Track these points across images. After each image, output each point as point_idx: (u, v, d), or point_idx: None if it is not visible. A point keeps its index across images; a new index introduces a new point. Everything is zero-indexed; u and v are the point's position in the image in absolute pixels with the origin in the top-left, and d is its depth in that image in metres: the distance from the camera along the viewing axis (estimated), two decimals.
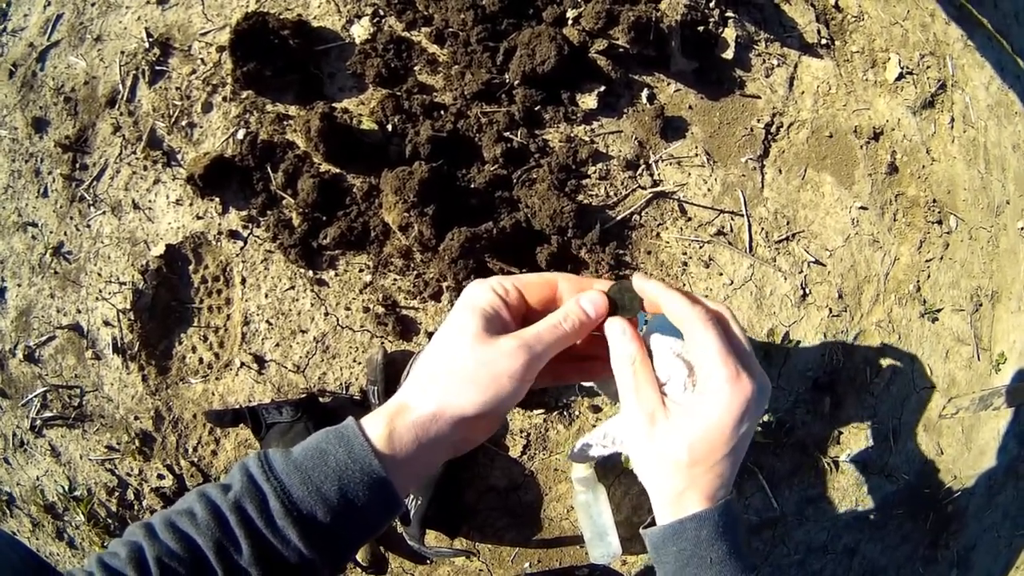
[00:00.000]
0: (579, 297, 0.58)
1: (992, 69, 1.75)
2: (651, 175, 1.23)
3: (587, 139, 1.21)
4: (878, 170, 1.44)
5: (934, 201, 1.52)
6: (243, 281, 1.24)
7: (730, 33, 1.31)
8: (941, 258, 1.54)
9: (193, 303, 1.26)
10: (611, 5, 1.21)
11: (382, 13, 1.27)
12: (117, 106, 1.35)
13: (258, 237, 1.23)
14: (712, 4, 1.32)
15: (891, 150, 1.47)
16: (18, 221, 1.35)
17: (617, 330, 0.58)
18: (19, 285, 1.32)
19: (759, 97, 1.33)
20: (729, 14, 1.33)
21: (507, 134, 1.19)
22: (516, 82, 1.20)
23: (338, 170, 1.22)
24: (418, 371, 0.58)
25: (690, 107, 1.27)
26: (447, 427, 0.55)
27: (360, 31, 1.26)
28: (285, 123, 1.25)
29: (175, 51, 1.35)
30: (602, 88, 1.21)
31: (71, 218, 1.32)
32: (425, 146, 1.17)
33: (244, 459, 0.56)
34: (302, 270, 1.21)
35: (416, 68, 1.25)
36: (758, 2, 1.37)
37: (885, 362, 1.43)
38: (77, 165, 1.35)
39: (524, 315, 0.60)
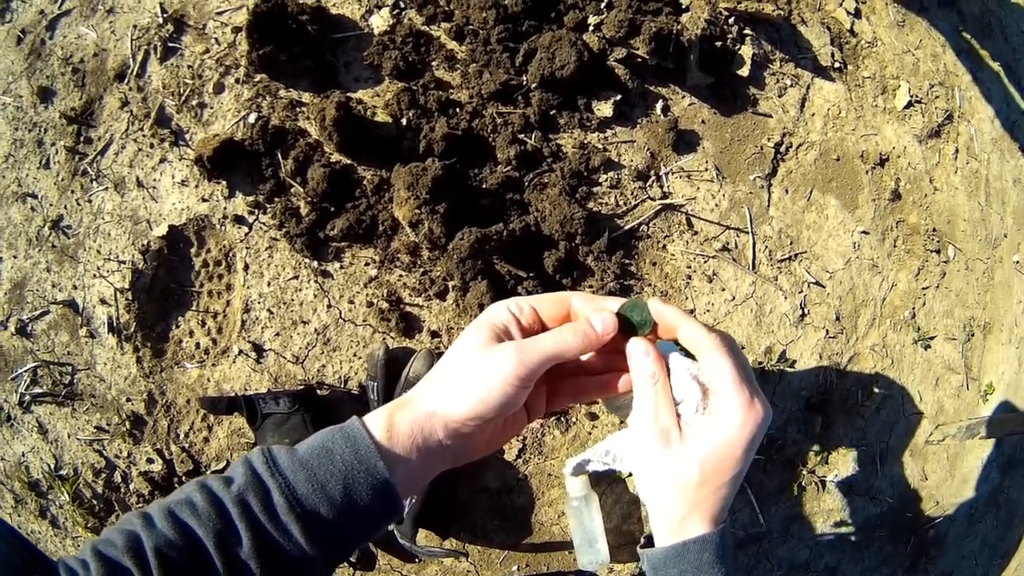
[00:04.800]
0: (592, 315, 0.59)
1: (999, 103, 1.78)
2: (661, 187, 1.23)
3: (600, 147, 1.21)
4: (882, 196, 1.46)
5: (934, 230, 1.54)
6: (246, 268, 1.22)
7: (747, 51, 1.32)
8: (937, 286, 1.56)
9: (193, 287, 1.24)
10: (633, 15, 1.21)
11: (402, 5, 1.27)
12: (126, 80, 1.33)
13: (264, 224, 1.22)
14: (731, 20, 1.32)
15: (895, 177, 1.49)
16: (17, 191, 1.33)
17: (640, 350, 0.59)
18: (15, 257, 1.29)
19: (771, 116, 1.34)
20: (747, 31, 1.33)
21: (521, 136, 1.19)
22: (534, 85, 1.20)
23: (349, 161, 1.21)
24: (427, 375, 0.60)
25: (703, 121, 1.28)
26: (441, 428, 0.56)
27: (379, 22, 1.25)
28: (298, 110, 1.24)
29: (189, 29, 1.34)
30: (618, 97, 1.21)
31: (72, 192, 1.30)
32: (439, 143, 1.17)
33: (247, 454, 0.56)
34: (307, 260, 1.20)
35: (434, 63, 1.24)
36: (776, 22, 1.38)
37: (877, 386, 1.45)
38: (81, 138, 1.32)
39: (538, 332, 0.61)
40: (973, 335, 1.64)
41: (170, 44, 1.33)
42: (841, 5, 1.51)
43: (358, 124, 1.18)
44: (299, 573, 0.54)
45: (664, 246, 1.23)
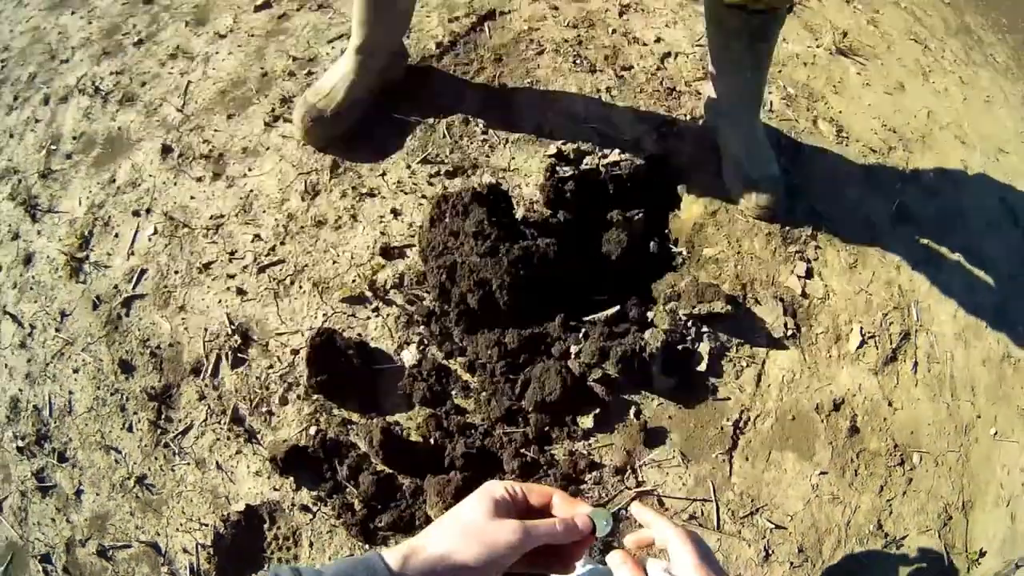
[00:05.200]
0: (576, 515, 0.77)
1: (961, 293, 1.95)
2: (636, 477, 1.55)
3: (585, 452, 1.55)
4: (838, 436, 1.72)
5: (895, 446, 1.77)
6: (311, 544, 1.61)
7: (704, 347, 1.62)
8: (904, 493, 1.78)
9: (265, 553, 1.63)
10: (604, 343, 1.55)
11: (426, 342, 1.64)
12: (202, 376, 1.68)
13: (325, 513, 1.60)
14: (689, 323, 1.63)
15: (851, 415, 1.74)
16: (101, 442, 1.60)
17: (618, 559, 0.77)
18: (98, 495, 1.56)
19: (729, 399, 1.64)
20: (704, 329, 1.64)
21: (523, 450, 1.54)
22: (530, 409, 1.55)
23: (391, 471, 1.59)
24: (434, 526, 0.75)
25: (670, 417, 1.59)
26: (448, 571, 0.70)
27: (408, 357, 1.62)
28: (349, 426, 1.63)
29: (254, 343, 1.72)
30: (597, 411, 1.55)
31: (156, 458, 1.58)
32: (459, 459, 1.53)
33: (276, 568, 0.68)
34: (360, 543, 1.58)
35: (453, 392, 1.61)
36: (731, 315, 1.68)
37: None
38: (163, 416, 1.61)
39: (525, 512, 0.79)
40: (951, 519, 1.83)
41: (239, 354, 1.71)
42: (792, 272, 1.79)
43: (397, 443, 1.56)
44: None
45: (640, 525, 1.54)
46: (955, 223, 2.10)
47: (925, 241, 2.02)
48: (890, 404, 1.78)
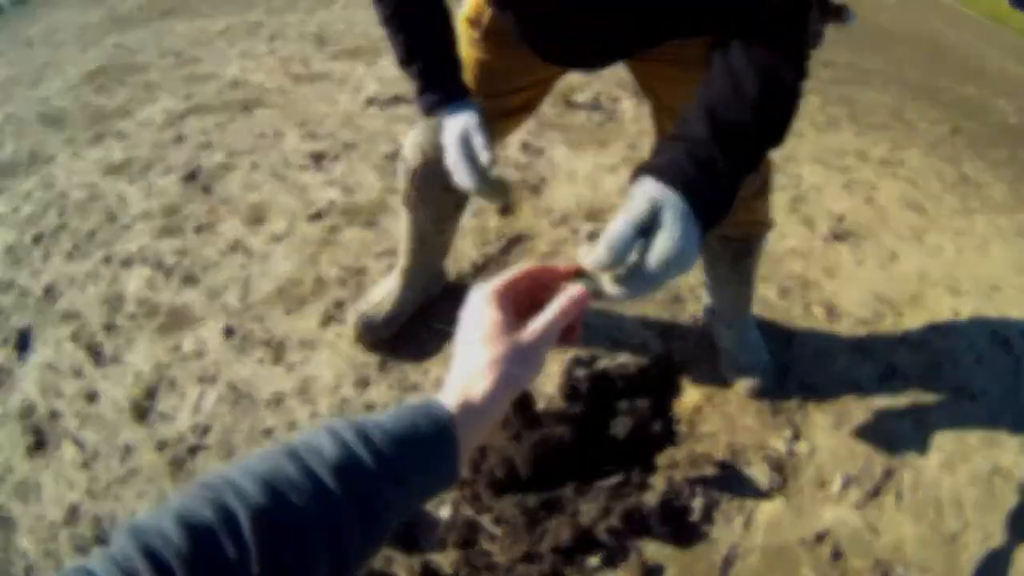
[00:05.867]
0: (569, 294, 0.76)
1: (947, 431, 2.24)
2: None
3: None
4: (821, 562, 2.11)
5: (877, 561, 2.00)
6: None
7: (698, 502, 2.17)
8: None
9: None
10: (607, 503, 2.16)
11: (459, 502, 2.34)
12: None
13: None
14: (685, 484, 2.20)
15: (834, 544, 2.10)
16: None
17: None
18: None
19: (718, 539, 2.15)
20: (698, 489, 2.20)
21: None
22: (546, 552, 2.17)
23: None
24: (470, 364, 0.71)
25: (667, 556, 2.13)
26: (506, 397, 0.72)
27: (445, 512, 2.30)
28: (392, 562, 2.30)
29: None
30: (604, 553, 2.14)
31: None
32: None
33: (332, 421, 0.63)
34: None
35: (481, 539, 2.20)
36: (721, 476, 2.22)
37: None
38: None
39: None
40: None
41: None
42: (780, 437, 2.30)
43: (434, 574, 2.23)
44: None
45: None
46: (942, 370, 2.46)
47: (911, 392, 2.40)
48: (874, 531, 2.07)
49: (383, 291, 2.27)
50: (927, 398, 2.36)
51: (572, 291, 0.76)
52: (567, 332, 0.78)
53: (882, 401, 2.36)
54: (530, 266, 0.79)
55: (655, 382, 2.44)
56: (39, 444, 2.01)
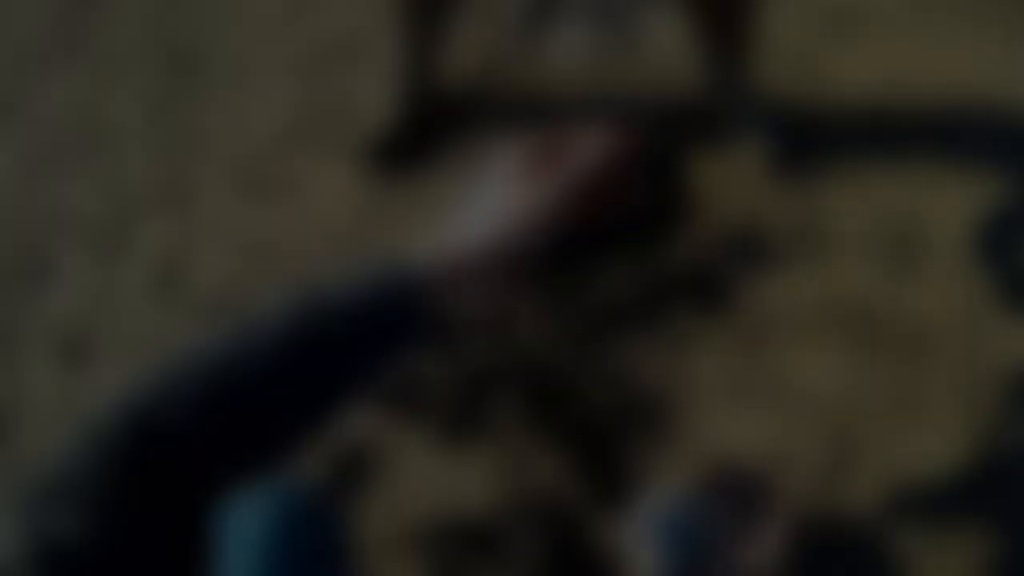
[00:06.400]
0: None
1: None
2: None
3: None
4: (851, 327, 2.04)
5: (906, 325, 2.03)
6: None
7: (723, 273, 2.02)
8: None
9: None
10: (632, 278, 1.98)
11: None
12: None
13: None
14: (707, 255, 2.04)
15: (864, 310, 2.05)
16: None
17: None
18: None
19: (747, 308, 2.02)
20: (720, 259, 2.04)
21: None
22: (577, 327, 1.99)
23: None
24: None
25: (697, 326, 2.00)
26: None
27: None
28: None
29: None
30: (633, 325, 1.98)
31: None
32: None
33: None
34: None
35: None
36: (745, 243, 2.06)
37: None
38: None
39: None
40: None
41: None
42: (798, 204, 2.15)
43: None
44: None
45: None
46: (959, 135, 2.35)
47: (930, 161, 2.29)
48: (900, 296, 2.04)
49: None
50: (946, 165, 2.25)
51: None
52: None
53: (901, 167, 2.25)
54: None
55: (661, 159, 2.25)
56: None
